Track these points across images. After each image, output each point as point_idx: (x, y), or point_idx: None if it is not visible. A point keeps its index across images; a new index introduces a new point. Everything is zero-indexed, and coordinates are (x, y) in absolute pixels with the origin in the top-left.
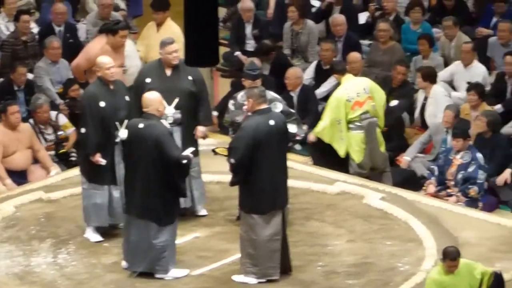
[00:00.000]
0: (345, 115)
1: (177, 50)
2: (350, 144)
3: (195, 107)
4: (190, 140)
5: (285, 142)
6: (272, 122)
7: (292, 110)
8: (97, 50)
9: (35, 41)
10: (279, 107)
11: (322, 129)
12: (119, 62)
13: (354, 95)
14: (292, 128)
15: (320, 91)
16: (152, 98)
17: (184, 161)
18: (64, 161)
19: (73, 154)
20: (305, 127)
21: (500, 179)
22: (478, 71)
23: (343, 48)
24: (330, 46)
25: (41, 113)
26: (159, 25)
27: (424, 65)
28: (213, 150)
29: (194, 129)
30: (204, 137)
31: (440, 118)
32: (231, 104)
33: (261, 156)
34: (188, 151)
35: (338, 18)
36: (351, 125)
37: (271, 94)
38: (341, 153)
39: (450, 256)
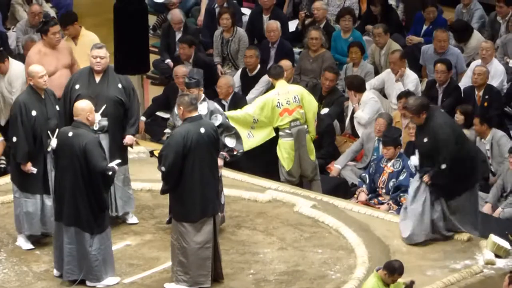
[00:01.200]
0: (268, 118)
1: (103, 57)
2: (280, 151)
3: (122, 115)
4: (117, 147)
5: (215, 150)
6: (202, 130)
7: (232, 125)
8: (34, 55)
9: None
10: (219, 119)
11: (240, 114)
12: (64, 62)
13: (284, 102)
14: (230, 142)
15: (249, 98)
16: (82, 106)
17: (109, 173)
18: None
19: (2, 162)
20: None
21: None
22: (409, 79)
23: (275, 54)
24: (254, 52)
25: None
26: (74, 38)
27: (354, 74)
28: (151, 152)
29: (121, 136)
30: (132, 145)
31: (371, 125)
32: (176, 108)
33: (191, 163)
34: (114, 163)
35: (272, 24)
36: (281, 133)
37: (214, 105)
38: (245, 146)
39: (399, 271)
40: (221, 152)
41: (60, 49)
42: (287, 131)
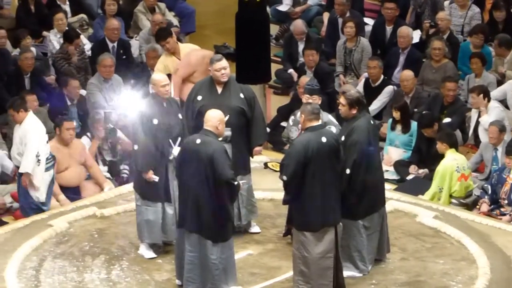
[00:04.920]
0: (448, 185)
1: (227, 67)
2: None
3: (245, 124)
4: (240, 157)
5: (337, 160)
6: (324, 139)
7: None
8: (199, 57)
9: (86, 56)
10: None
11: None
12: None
13: (461, 168)
14: None
15: (371, 109)
16: (211, 115)
17: (235, 182)
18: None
19: (125, 171)
20: None
21: None
22: None
23: (405, 61)
24: (377, 63)
25: (100, 129)
26: (174, 53)
27: (477, 84)
28: (265, 164)
29: (244, 146)
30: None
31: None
32: (290, 120)
33: (311, 173)
34: (242, 182)
35: (404, 29)
36: (454, 200)
37: (328, 117)
38: None
39: None
40: None
41: None
42: (462, 200)
